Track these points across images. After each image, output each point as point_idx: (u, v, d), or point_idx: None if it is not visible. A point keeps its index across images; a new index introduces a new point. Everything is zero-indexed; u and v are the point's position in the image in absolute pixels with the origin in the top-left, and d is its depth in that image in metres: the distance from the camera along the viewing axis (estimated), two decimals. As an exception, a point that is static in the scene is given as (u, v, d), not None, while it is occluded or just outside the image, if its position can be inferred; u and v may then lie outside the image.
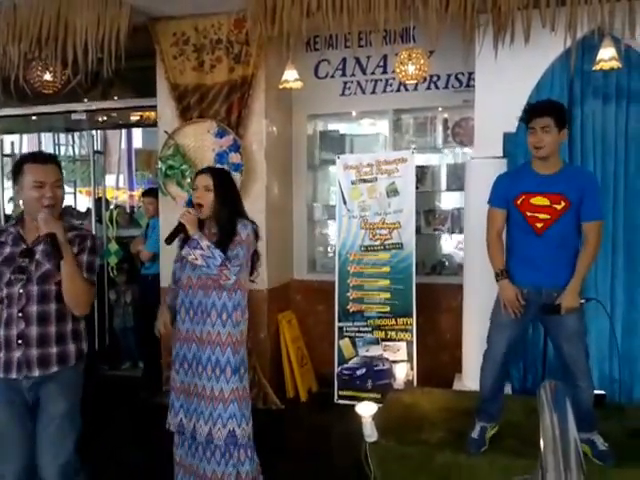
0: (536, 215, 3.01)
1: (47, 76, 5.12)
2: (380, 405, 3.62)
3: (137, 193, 9.12)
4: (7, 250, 2.41)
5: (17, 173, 2.40)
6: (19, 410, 2.40)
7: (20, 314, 2.36)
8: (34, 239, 2.37)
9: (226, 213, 2.84)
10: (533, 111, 3.03)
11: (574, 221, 3.00)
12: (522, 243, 3.10)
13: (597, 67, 3.82)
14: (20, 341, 2.35)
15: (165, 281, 4.85)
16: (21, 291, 2.35)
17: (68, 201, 7.89)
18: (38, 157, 2.43)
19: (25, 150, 8.32)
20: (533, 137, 3.00)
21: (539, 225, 3.01)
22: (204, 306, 2.81)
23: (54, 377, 2.40)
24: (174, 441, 2.99)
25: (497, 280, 3.11)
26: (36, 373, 2.36)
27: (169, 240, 2.84)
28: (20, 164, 2.40)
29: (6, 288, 2.37)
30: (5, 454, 2.41)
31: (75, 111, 6.13)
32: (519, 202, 3.06)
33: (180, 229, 2.81)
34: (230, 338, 2.81)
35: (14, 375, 2.36)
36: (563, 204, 2.96)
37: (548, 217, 2.98)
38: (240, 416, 2.81)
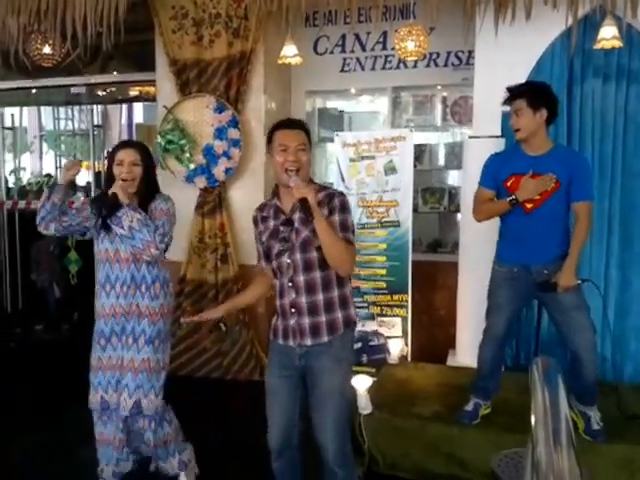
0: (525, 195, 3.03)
1: (46, 49, 5.12)
2: (375, 379, 3.68)
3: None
4: (271, 223, 2.47)
5: (269, 142, 2.46)
6: (287, 375, 2.47)
7: (290, 284, 2.41)
8: (291, 208, 2.41)
9: (151, 188, 2.86)
10: (509, 94, 3.10)
11: (563, 201, 3.03)
12: (511, 224, 3.14)
13: (598, 46, 3.80)
14: (293, 310, 2.42)
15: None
16: (288, 261, 2.40)
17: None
18: (284, 122, 2.49)
19: (25, 123, 8.27)
20: (510, 120, 3.10)
21: (529, 205, 3.04)
22: (122, 279, 2.79)
23: (325, 349, 2.40)
24: (93, 420, 2.94)
25: (516, 201, 3.01)
26: (308, 342, 2.40)
27: (110, 213, 2.71)
28: (271, 133, 2.45)
29: (276, 259, 2.43)
30: (270, 417, 2.51)
31: (75, 85, 6.11)
32: (509, 184, 3.09)
33: (115, 199, 2.69)
34: (148, 310, 2.82)
35: (290, 342, 2.43)
36: (552, 185, 2.99)
37: (537, 197, 3.02)
38: (148, 388, 2.82)
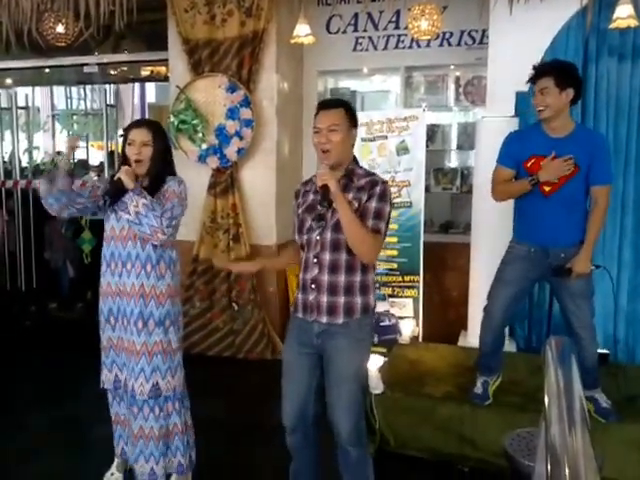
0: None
1: (60, 28, 5.10)
2: (386, 359, 3.71)
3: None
4: (310, 198, 2.50)
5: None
6: (306, 352, 2.47)
7: (315, 260, 2.41)
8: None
9: (161, 170, 2.75)
10: (534, 72, 3.02)
11: (583, 185, 2.99)
12: (530, 206, 3.10)
13: (614, 25, 3.75)
14: (313, 286, 2.42)
15: (178, 235, 4.89)
16: (318, 238, 2.40)
17: (80, 154, 7.94)
18: (320, 104, 2.49)
19: (38, 103, 8.28)
20: (534, 99, 3.01)
21: (547, 188, 3.00)
22: (127, 258, 2.71)
23: (342, 330, 2.40)
24: (108, 400, 2.93)
25: (537, 182, 2.97)
26: (324, 319, 2.40)
27: (114, 199, 2.65)
28: (317, 112, 2.45)
29: (306, 234, 2.45)
30: (285, 392, 2.52)
31: (87, 64, 6.10)
32: (529, 165, 3.04)
33: (120, 185, 2.62)
34: (154, 290, 2.72)
35: (308, 317, 2.44)
36: (572, 168, 2.95)
37: (556, 180, 2.97)
38: (165, 369, 2.77)
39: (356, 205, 2.36)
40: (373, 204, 2.36)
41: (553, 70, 2.96)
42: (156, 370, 2.74)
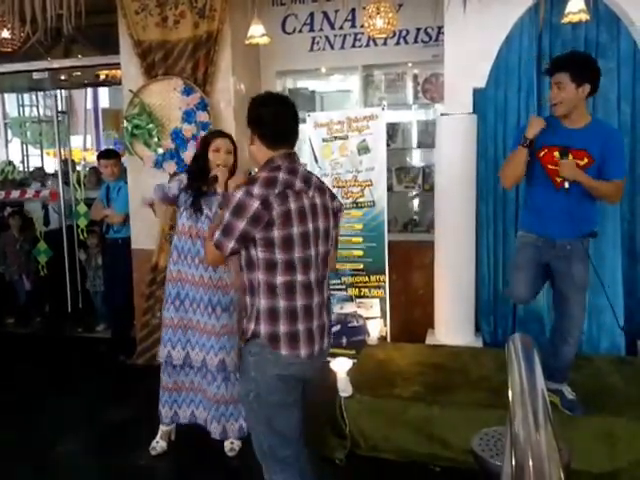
0: (557, 169, 2.94)
1: (5, 33, 4.95)
2: (354, 361, 3.67)
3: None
4: None
5: None
6: None
7: None
8: None
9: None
10: (551, 65, 2.96)
11: (595, 176, 2.93)
12: (540, 196, 3.06)
13: (566, 20, 3.77)
14: None
15: (136, 244, 4.80)
16: None
17: (35, 162, 7.75)
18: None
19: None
20: (550, 93, 2.95)
21: (559, 179, 2.94)
22: (196, 253, 3.12)
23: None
24: (161, 369, 3.31)
25: (527, 142, 2.95)
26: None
27: (202, 193, 3.08)
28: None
29: None
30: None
31: (37, 70, 5.92)
32: (542, 154, 3.00)
33: (214, 181, 3.03)
34: (221, 282, 3.17)
35: None
36: (586, 160, 2.91)
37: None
38: (229, 347, 3.19)
39: None
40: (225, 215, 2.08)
41: (570, 64, 2.89)
42: (222, 348, 3.17)
